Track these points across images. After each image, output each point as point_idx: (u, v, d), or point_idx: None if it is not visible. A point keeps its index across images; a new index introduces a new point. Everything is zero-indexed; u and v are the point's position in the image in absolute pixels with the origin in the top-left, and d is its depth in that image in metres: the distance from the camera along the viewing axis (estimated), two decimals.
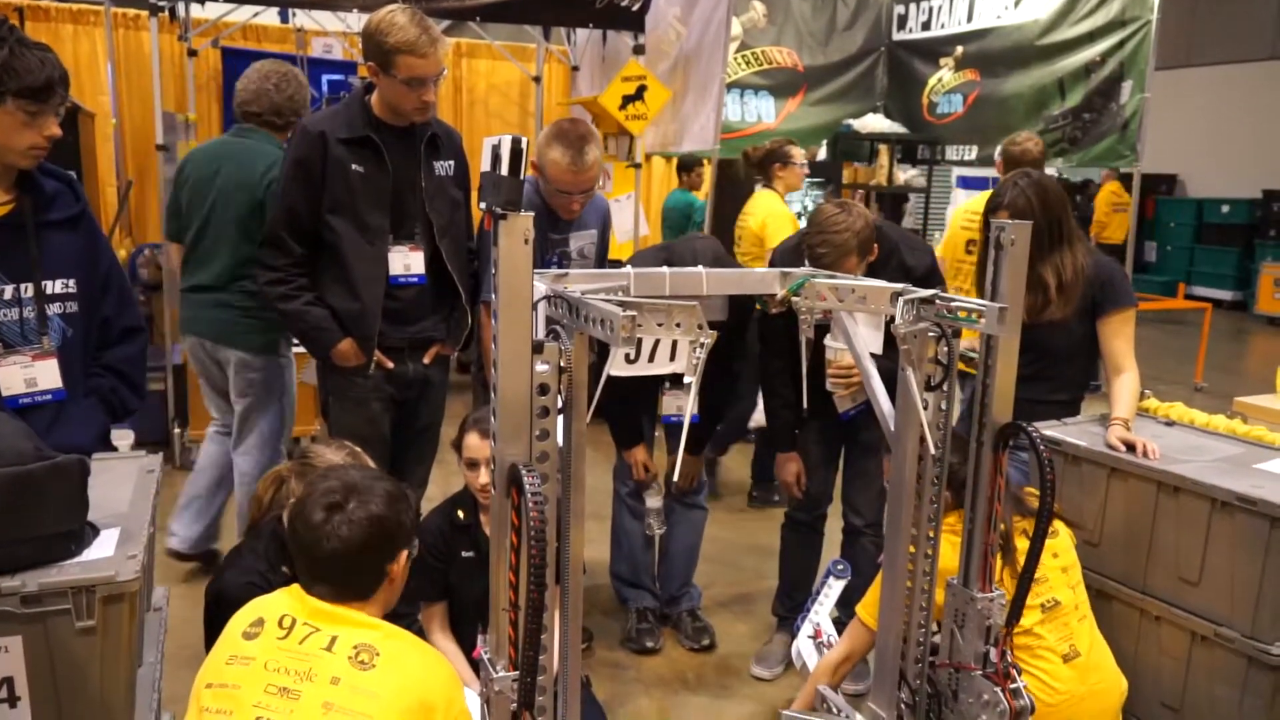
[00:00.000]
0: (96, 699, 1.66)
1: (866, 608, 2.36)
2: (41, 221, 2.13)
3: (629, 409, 3.37)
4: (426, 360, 3.05)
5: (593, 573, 3.68)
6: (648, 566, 3.55)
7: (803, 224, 3.41)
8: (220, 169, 3.43)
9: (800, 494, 3.27)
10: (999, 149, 4.74)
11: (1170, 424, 2.78)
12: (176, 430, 5.09)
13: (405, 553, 1.77)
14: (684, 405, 3.15)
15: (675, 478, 3.41)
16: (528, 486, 1.58)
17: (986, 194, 4.35)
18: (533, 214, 1.60)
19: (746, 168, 5.29)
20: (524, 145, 1.58)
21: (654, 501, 3.40)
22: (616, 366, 1.85)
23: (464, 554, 2.65)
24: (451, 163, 3.01)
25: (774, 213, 4.90)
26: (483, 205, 1.61)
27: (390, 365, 2.95)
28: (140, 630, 1.91)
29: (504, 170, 1.58)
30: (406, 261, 2.94)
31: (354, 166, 2.81)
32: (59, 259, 2.15)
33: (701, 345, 1.74)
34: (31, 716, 1.63)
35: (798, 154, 5.10)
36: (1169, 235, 13.85)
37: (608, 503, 3.55)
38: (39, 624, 1.60)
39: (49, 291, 2.13)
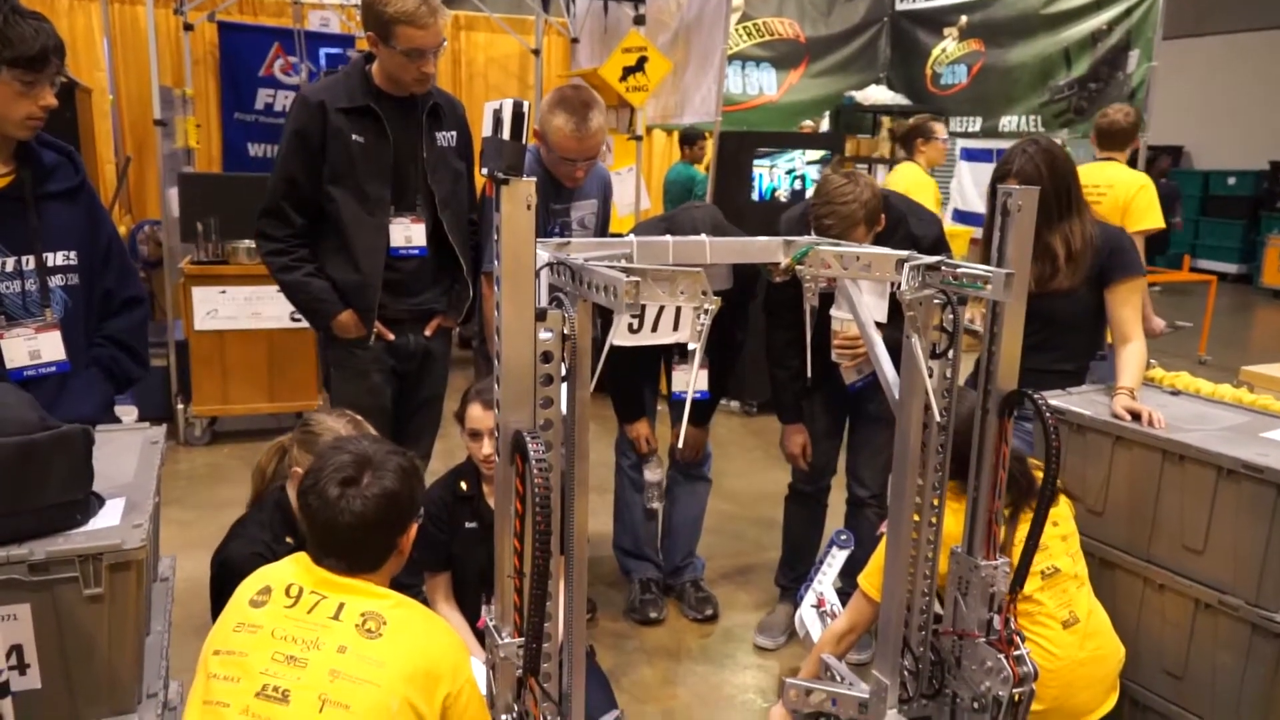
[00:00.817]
0: (105, 666, 1.67)
1: (869, 578, 2.37)
2: (41, 193, 2.12)
3: (631, 383, 3.37)
4: (428, 333, 3.04)
5: (596, 545, 3.69)
6: (650, 538, 3.56)
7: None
8: None
9: (805, 466, 3.28)
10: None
11: (1176, 393, 2.77)
12: (180, 406, 5.10)
13: (414, 524, 1.77)
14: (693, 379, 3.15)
15: (679, 448, 3.41)
16: (532, 453, 1.58)
17: (1091, 165, 4.35)
18: (535, 179, 1.58)
19: (891, 142, 5.44)
20: (525, 109, 1.56)
21: (653, 475, 3.40)
22: (620, 336, 1.84)
23: (467, 525, 2.65)
24: (454, 133, 2.99)
25: (918, 183, 5.10)
26: (484, 171, 1.60)
27: (391, 337, 2.95)
28: (147, 599, 1.92)
29: (505, 135, 1.56)
30: (407, 233, 2.93)
31: (354, 136, 2.79)
32: (59, 231, 2.14)
33: (706, 312, 1.73)
34: (41, 684, 1.63)
35: (940, 129, 5.30)
36: None
37: (610, 475, 3.55)
38: (46, 592, 1.60)
39: (50, 264, 2.13)
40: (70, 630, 1.62)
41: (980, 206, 7.60)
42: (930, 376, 2.06)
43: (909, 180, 5.17)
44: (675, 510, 3.55)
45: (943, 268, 1.96)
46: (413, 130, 2.88)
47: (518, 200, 1.60)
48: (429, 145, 2.92)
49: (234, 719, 1.50)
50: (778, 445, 3.36)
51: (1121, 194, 4.19)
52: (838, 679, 2.47)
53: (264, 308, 4.88)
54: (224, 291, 4.90)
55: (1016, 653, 2.07)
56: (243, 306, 4.92)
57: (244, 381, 5.04)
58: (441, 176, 2.95)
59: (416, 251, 2.95)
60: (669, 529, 3.59)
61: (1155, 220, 4.21)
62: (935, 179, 5.42)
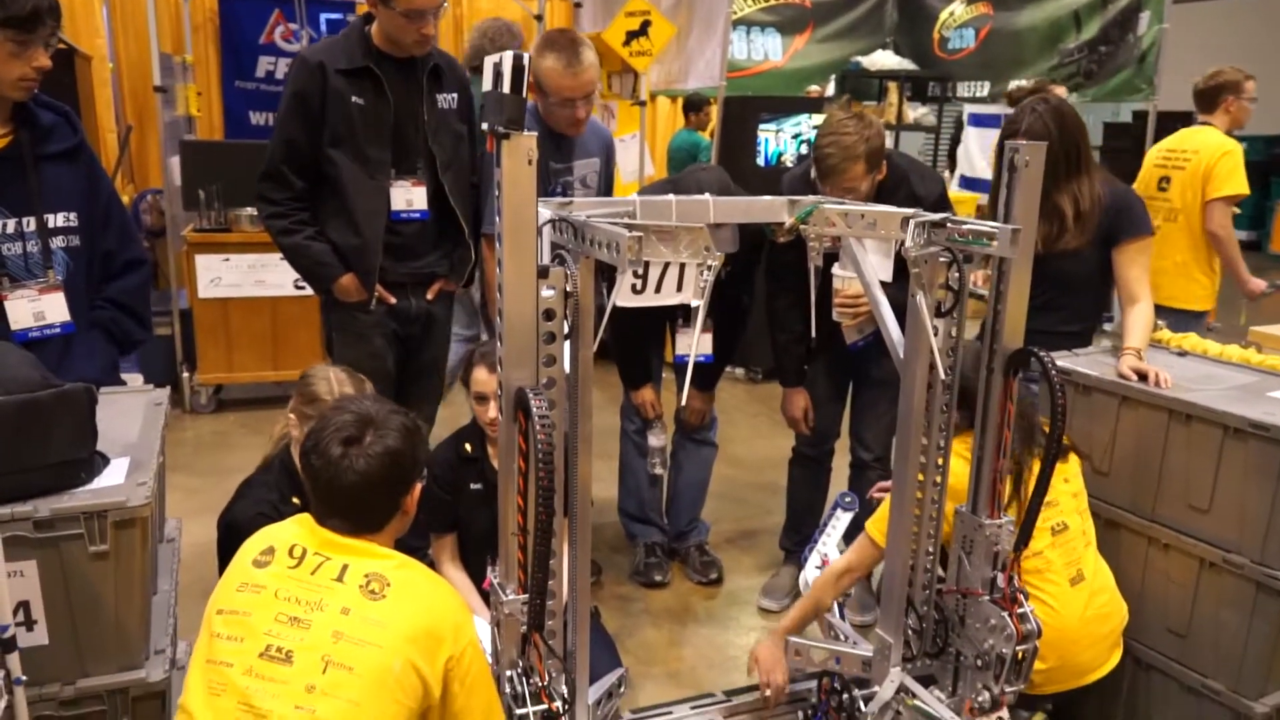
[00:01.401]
0: (111, 623, 1.68)
1: (876, 524, 2.36)
2: (40, 154, 2.12)
3: (636, 348, 3.36)
4: (430, 296, 3.03)
5: (600, 510, 3.69)
6: (655, 503, 3.57)
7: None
8: None
9: (808, 429, 3.27)
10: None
11: (1183, 354, 2.75)
12: (185, 374, 5.11)
13: (419, 484, 1.77)
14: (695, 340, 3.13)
15: (684, 411, 3.41)
16: (535, 410, 1.57)
17: (1185, 131, 4.29)
18: (536, 134, 1.57)
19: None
20: (525, 62, 1.54)
21: (658, 441, 3.40)
22: (622, 297, 1.83)
23: (472, 487, 2.66)
24: (455, 95, 2.96)
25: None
26: (485, 126, 1.58)
27: (392, 300, 2.93)
28: (154, 559, 1.93)
29: (506, 89, 1.54)
30: (409, 196, 2.91)
31: (354, 99, 2.77)
32: (59, 192, 2.13)
33: (709, 268, 1.72)
34: (48, 639, 1.65)
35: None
36: None
37: (615, 441, 3.55)
38: (52, 548, 1.61)
39: (51, 225, 2.12)
40: (76, 587, 1.64)
41: (987, 173, 7.53)
42: (935, 335, 2.05)
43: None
44: (680, 475, 3.55)
45: (948, 224, 1.95)
46: (413, 92, 2.85)
47: (519, 155, 1.58)
48: (430, 107, 2.89)
49: (237, 678, 1.51)
50: (781, 412, 3.35)
51: (1205, 159, 4.13)
52: (841, 638, 2.49)
53: (268, 275, 4.87)
54: (227, 259, 4.89)
55: (1020, 610, 2.08)
56: (246, 274, 4.91)
57: (248, 349, 5.04)
58: (443, 139, 2.92)
59: (418, 215, 2.93)
60: (674, 493, 3.60)
61: (1236, 186, 4.13)
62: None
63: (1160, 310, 3.01)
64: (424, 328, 3.07)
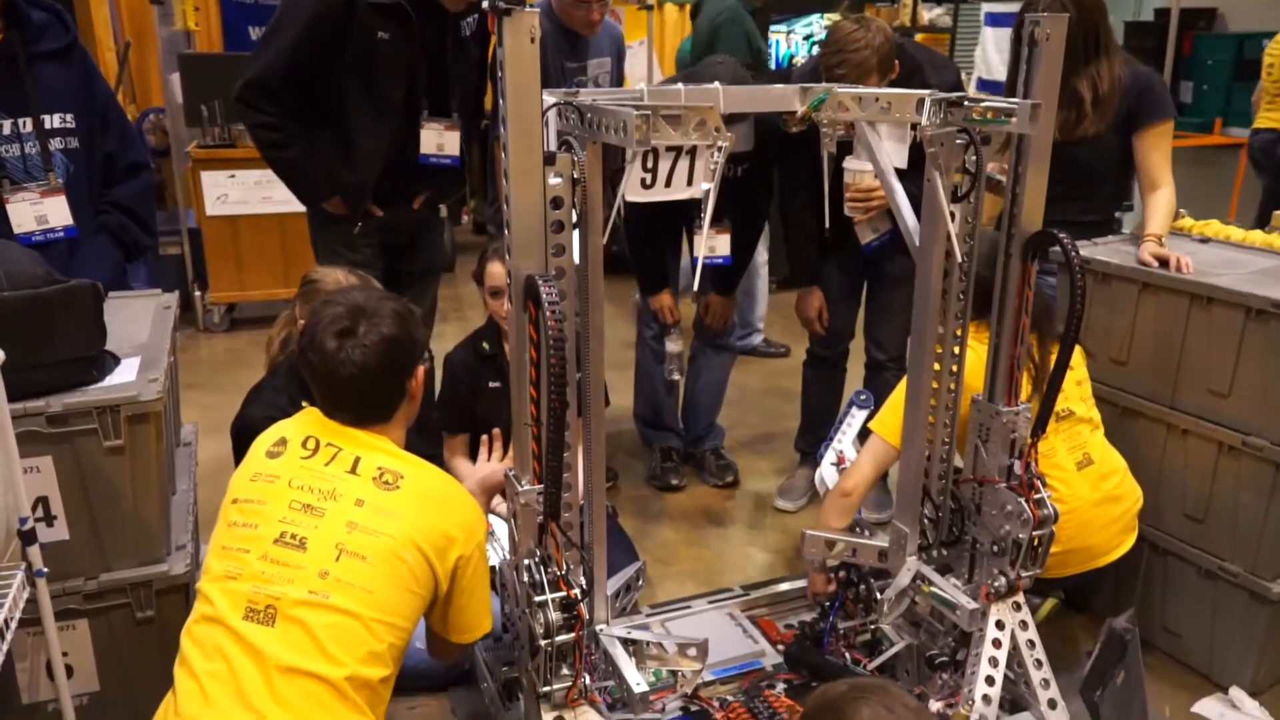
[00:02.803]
0: (131, 518, 1.70)
1: (882, 424, 2.35)
2: (33, 54, 2.07)
3: (654, 253, 3.32)
4: (415, 206, 2.97)
5: (616, 417, 3.70)
6: (670, 409, 3.57)
7: None
8: None
9: (822, 329, 3.25)
10: None
11: (1205, 240, 2.70)
12: (197, 293, 5.11)
13: (422, 368, 1.76)
14: (715, 246, 3.09)
15: (705, 317, 3.39)
16: (544, 296, 1.55)
17: None
18: (539, 9, 1.51)
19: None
20: None
21: (674, 347, 3.38)
22: (631, 191, 1.79)
23: (491, 385, 2.66)
24: (474, 19, 2.84)
25: None
26: (486, 3, 1.53)
27: (380, 213, 2.88)
28: (170, 458, 1.94)
29: None
30: (440, 140, 2.82)
31: (380, 34, 2.64)
32: (54, 92, 2.10)
33: (719, 149, 1.67)
34: (69, 534, 1.67)
35: None
36: (1206, 74, 13.19)
37: (627, 353, 3.54)
38: (67, 444, 1.61)
39: (48, 126, 2.08)
40: (94, 482, 1.65)
41: (1004, 75, 7.33)
42: (952, 221, 2.01)
43: None
44: (698, 379, 3.54)
45: (965, 103, 1.88)
46: (441, 35, 2.75)
47: (520, 33, 1.53)
48: (455, 49, 2.79)
49: (253, 563, 1.53)
50: (795, 313, 3.32)
51: None
52: (857, 530, 2.49)
53: (274, 191, 4.80)
54: (233, 175, 4.84)
55: (1037, 496, 2.07)
56: (253, 191, 4.86)
57: (259, 267, 5.03)
58: (465, 85, 2.84)
59: (448, 161, 2.85)
60: (690, 398, 3.59)
61: None
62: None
63: None
64: (415, 235, 3.02)
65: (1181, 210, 2.80)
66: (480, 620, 1.75)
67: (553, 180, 1.66)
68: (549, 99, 1.70)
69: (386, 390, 1.69)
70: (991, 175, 2.47)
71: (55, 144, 2.10)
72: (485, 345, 2.67)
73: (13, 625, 1.39)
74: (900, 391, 2.27)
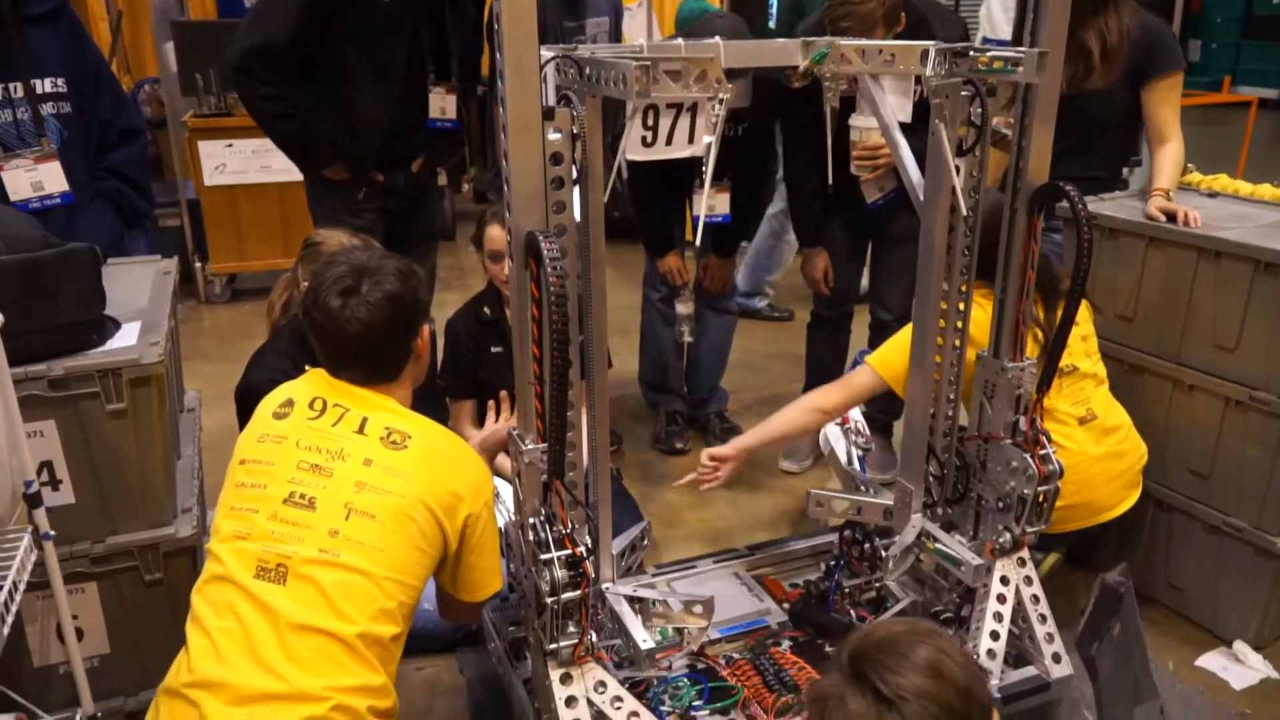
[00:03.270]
0: (136, 481, 1.70)
1: (879, 356, 2.35)
2: (21, 16, 2.04)
3: (659, 215, 3.30)
4: (413, 169, 2.97)
5: (621, 382, 3.69)
6: (676, 372, 3.56)
7: None
8: None
9: (827, 290, 3.23)
10: None
11: (1213, 195, 2.67)
12: (198, 265, 5.09)
13: (427, 327, 1.76)
14: (715, 205, 3.06)
15: (704, 279, 3.37)
16: (545, 253, 1.54)
17: None
18: None
19: None
20: None
21: (684, 308, 3.37)
22: (632, 149, 1.77)
23: (493, 350, 2.65)
24: None
25: None
26: None
27: (380, 178, 2.88)
28: (174, 423, 1.94)
29: None
30: (443, 104, 2.85)
31: None
32: (44, 56, 2.07)
33: (720, 101, 1.65)
34: (75, 498, 1.67)
35: None
36: (1215, 31, 13.04)
37: (630, 318, 3.52)
38: (70, 408, 1.61)
39: (39, 91, 2.06)
40: (98, 446, 1.65)
41: (1009, 34, 7.24)
42: (957, 174, 1.98)
43: None
44: (701, 343, 3.53)
45: (970, 53, 1.86)
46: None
47: None
48: (452, 10, 2.78)
49: (263, 524, 1.53)
50: (800, 275, 3.30)
51: None
52: (862, 489, 2.49)
53: (273, 160, 4.78)
54: (230, 145, 4.80)
55: (1042, 451, 2.06)
56: (250, 160, 4.83)
57: (259, 238, 5.01)
58: (463, 46, 2.83)
59: (450, 125, 2.88)
60: (694, 362, 3.59)
61: None
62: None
63: None
64: (415, 199, 3.01)
65: (1189, 165, 2.77)
66: (491, 579, 1.76)
67: (552, 135, 1.64)
68: (547, 53, 1.68)
69: (392, 347, 1.69)
70: (997, 129, 2.44)
71: (47, 109, 2.08)
72: (486, 310, 2.66)
73: (21, 587, 1.39)
74: (905, 335, 2.26)
